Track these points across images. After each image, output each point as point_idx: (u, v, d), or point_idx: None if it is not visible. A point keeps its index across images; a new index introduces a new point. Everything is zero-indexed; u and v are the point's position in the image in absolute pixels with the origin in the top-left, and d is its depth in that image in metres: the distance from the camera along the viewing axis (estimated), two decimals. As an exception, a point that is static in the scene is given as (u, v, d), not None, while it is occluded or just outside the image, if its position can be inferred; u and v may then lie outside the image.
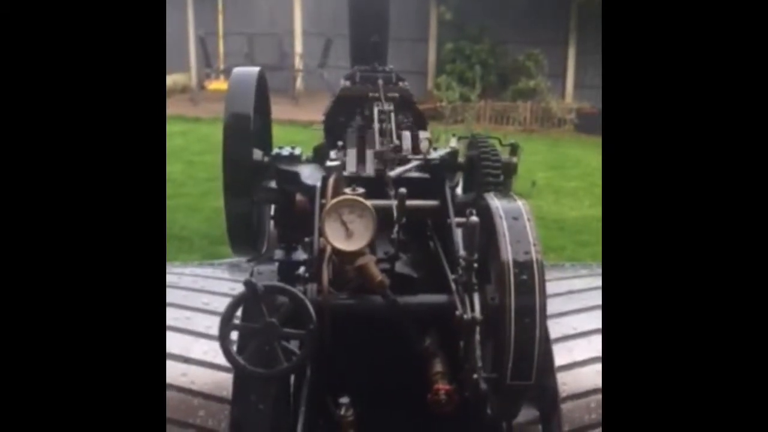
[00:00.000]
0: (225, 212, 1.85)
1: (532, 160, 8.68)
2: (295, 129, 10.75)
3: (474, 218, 1.35)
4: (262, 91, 2.01)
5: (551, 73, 11.86)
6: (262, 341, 1.30)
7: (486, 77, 11.58)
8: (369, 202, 1.41)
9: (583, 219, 6.58)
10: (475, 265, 1.38)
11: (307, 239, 1.60)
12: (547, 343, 1.38)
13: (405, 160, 1.73)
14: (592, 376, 1.46)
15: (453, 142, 1.90)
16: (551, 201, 7.13)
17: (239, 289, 1.38)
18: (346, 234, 1.38)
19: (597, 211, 6.73)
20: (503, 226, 1.32)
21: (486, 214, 1.38)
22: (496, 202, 1.39)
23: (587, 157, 9.40)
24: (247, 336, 1.33)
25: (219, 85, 12.79)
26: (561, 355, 1.45)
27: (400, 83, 2.13)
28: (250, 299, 1.30)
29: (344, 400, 1.46)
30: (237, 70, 1.97)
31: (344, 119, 2.07)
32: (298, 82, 12.84)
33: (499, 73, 11.88)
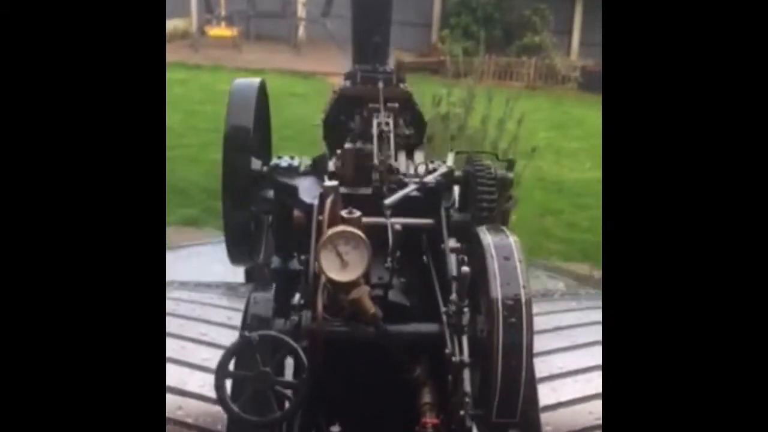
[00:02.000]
0: (223, 223, 1.87)
1: (535, 118, 8.62)
2: (296, 79, 10.68)
3: (465, 268, 1.38)
4: (263, 100, 2.04)
5: (557, 30, 11.69)
6: (256, 389, 1.33)
7: (491, 32, 11.42)
8: (363, 234, 1.43)
9: (583, 181, 6.59)
10: (465, 309, 1.41)
11: (303, 257, 1.60)
12: (532, 381, 1.41)
13: (401, 184, 1.74)
14: (576, 416, 1.48)
15: (449, 160, 1.91)
16: (551, 162, 7.12)
17: (236, 318, 1.40)
18: (341, 264, 1.40)
19: (596, 174, 6.73)
20: (494, 266, 1.35)
21: (478, 248, 1.41)
22: (488, 239, 1.41)
23: (590, 117, 9.34)
24: (241, 383, 1.37)
25: (220, 31, 12.61)
26: (545, 394, 1.47)
27: (401, 85, 2.12)
28: (245, 350, 1.33)
29: (335, 428, 1.49)
30: (237, 81, 1.98)
31: (344, 118, 2.08)
32: (300, 31, 12.65)
33: (505, 27, 11.71)
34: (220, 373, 1.32)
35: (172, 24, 12.24)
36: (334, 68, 10.87)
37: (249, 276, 2.31)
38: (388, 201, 1.61)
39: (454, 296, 1.41)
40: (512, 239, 1.42)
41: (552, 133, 8.44)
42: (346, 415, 1.53)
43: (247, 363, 1.32)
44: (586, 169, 7.02)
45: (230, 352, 1.33)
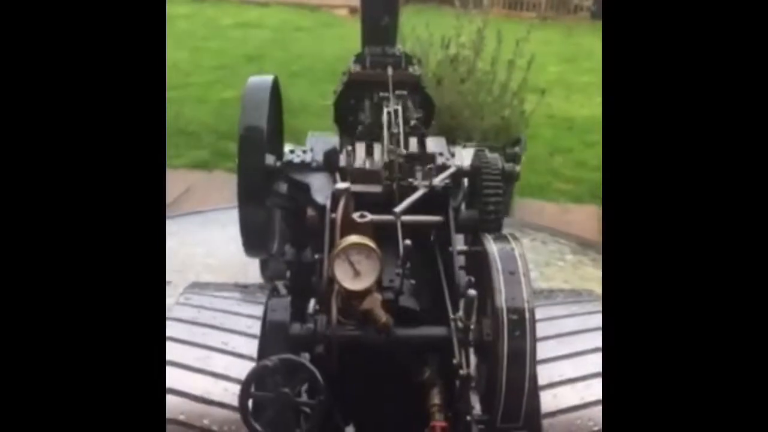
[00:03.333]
0: (239, 219, 1.94)
1: (546, 51, 8.48)
2: (302, 12, 10.47)
3: (472, 291, 1.44)
4: (276, 97, 2.10)
5: (570, -44, 11.35)
6: (277, 410, 1.41)
7: (502, -41, 11.10)
8: (374, 244, 1.49)
9: (593, 118, 6.52)
10: (471, 327, 1.47)
11: (316, 255, 1.69)
12: (535, 388, 1.49)
13: (411, 188, 1.79)
14: (575, 423, 1.53)
15: (457, 158, 1.95)
16: (562, 98, 7.04)
17: (255, 327, 1.47)
18: (353, 273, 1.48)
19: (607, 109, 6.68)
20: (500, 281, 1.43)
21: (484, 258, 1.50)
22: (494, 250, 1.49)
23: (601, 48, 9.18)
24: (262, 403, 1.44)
25: (224, -38, 12.28)
26: (546, 401, 1.52)
27: (410, 68, 2.14)
28: (265, 375, 1.41)
29: (350, 430, 1.57)
30: (251, 80, 2.03)
31: (354, 102, 2.12)
32: (306, -40, 12.32)
33: (516, -46, 11.38)
34: (243, 395, 1.41)
35: (174, -46, 11.92)
36: (341, 0, 10.65)
37: (264, 265, 2.42)
38: (397, 209, 1.67)
39: (461, 313, 1.49)
40: (517, 251, 1.50)
41: (562, 67, 8.31)
42: (360, 416, 1.61)
43: (268, 384, 1.40)
44: (596, 105, 6.94)
45: (252, 377, 1.42)
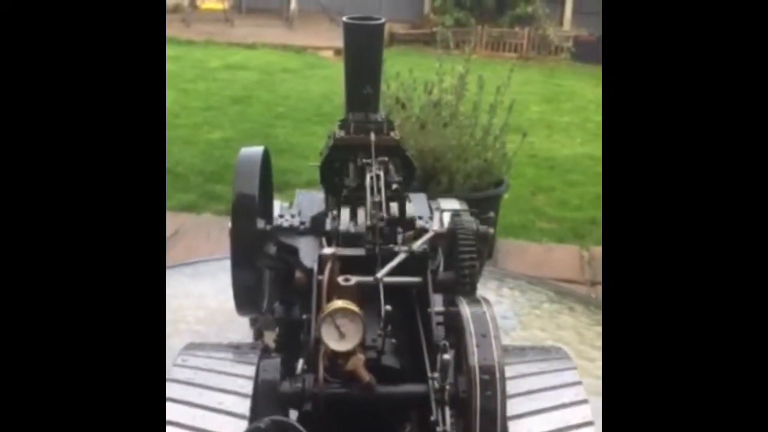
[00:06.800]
0: (232, 281, 2.03)
1: (527, 91, 8.69)
2: (289, 54, 10.65)
3: (447, 356, 1.55)
4: (266, 165, 2.24)
5: (550, -1, 11.68)
6: None
7: (483, 2, 11.39)
8: (357, 308, 1.59)
9: (574, 157, 6.66)
10: (447, 388, 1.57)
11: (304, 316, 1.79)
12: None
13: (392, 253, 1.90)
14: None
15: (436, 223, 2.06)
16: (543, 137, 7.18)
17: (248, 386, 1.55)
18: (339, 335, 1.58)
19: (588, 149, 6.82)
20: (473, 343, 1.56)
21: (458, 320, 1.64)
22: (467, 313, 1.62)
23: (582, 89, 9.40)
24: None
25: (212, 4, 12.53)
26: None
27: (392, 133, 2.26)
28: None
29: None
30: (243, 150, 2.17)
31: (339, 165, 2.26)
32: (293, 4, 12.56)
33: (497, -3, 11.70)
34: None
35: (162, -3, 12.12)
36: (327, 42, 10.85)
37: (253, 322, 2.55)
38: (379, 274, 1.78)
39: (437, 375, 1.59)
40: (488, 315, 1.63)
41: (544, 107, 8.49)
42: None
43: None
44: (577, 144, 7.10)
45: None
